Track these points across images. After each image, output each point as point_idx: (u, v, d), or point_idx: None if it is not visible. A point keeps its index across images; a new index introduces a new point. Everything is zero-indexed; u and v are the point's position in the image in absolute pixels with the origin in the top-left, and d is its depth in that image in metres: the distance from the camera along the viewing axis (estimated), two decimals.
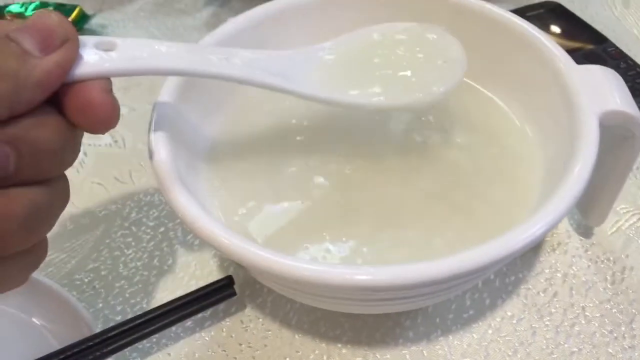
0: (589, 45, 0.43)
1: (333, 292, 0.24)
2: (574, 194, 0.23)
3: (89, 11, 0.49)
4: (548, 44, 0.28)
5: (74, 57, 0.20)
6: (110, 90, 0.21)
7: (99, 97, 0.20)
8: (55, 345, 0.27)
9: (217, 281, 0.29)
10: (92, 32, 0.49)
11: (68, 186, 0.21)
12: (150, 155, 0.25)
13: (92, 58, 0.20)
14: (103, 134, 0.20)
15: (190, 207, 0.23)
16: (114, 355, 0.27)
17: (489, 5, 0.31)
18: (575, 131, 0.25)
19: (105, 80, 0.20)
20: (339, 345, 0.29)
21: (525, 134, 0.30)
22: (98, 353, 0.26)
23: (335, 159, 0.29)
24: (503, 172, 0.28)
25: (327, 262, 0.25)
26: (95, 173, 0.38)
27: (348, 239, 0.26)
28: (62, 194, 0.21)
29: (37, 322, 0.28)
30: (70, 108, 0.20)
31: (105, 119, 0.20)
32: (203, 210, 0.23)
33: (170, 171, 0.24)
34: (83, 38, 0.21)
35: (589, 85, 0.26)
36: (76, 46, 0.20)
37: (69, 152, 0.20)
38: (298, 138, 0.31)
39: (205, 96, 0.30)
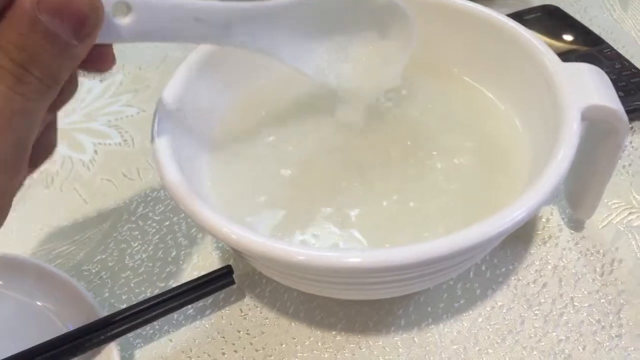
0: (586, 47, 0.44)
1: (327, 276, 0.25)
2: (553, 182, 0.24)
3: None
4: (535, 42, 0.29)
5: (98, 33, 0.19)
6: None
7: None
8: (62, 328, 0.28)
9: (217, 270, 0.31)
10: None
11: None
12: (154, 151, 0.27)
13: (109, 27, 0.20)
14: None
15: (192, 200, 0.25)
16: (118, 340, 0.28)
17: (480, 7, 0.32)
18: (558, 124, 0.26)
19: None
20: (333, 333, 0.30)
21: (514, 127, 0.31)
22: (102, 337, 0.28)
23: (338, 152, 0.31)
24: (493, 161, 0.30)
25: (321, 247, 0.27)
26: (104, 170, 0.40)
27: (348, 230, 0.28)
28: None
29: (45, 307, 0.30)
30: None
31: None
32: (203, 201, 0.25)
33: (173, 170, 0.26)
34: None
35: (573, 81, 0.27)
36: (101, 25, 0.19)
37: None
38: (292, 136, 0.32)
39: (209, 91, 0.31)
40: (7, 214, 0.20)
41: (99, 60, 0.21)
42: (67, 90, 0.22)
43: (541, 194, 0.24)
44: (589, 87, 0.27)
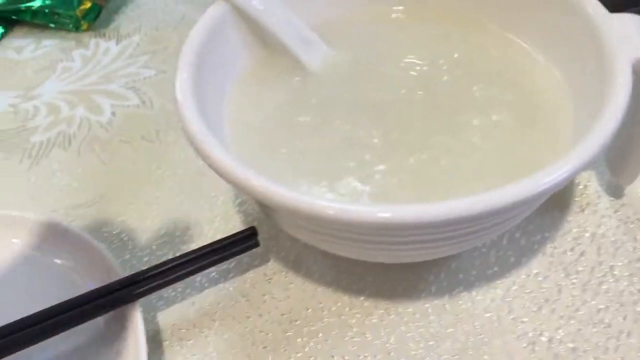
0: (623, 8, 0.42)
1: (356, 232, 0.24)
2: (602, 139, 0.22)
3: None
4: None
5: None
6: None
7: None
8: (83, 287, 0.28)
9: (241, 231, 0.30)
10: None
11: None
12: (177, 104, 0.25)
13: None
14: None
15: (220, 154, 0.23)
16: (140, 300, 0.28)
17: None
18: (606, 78, 0.24)
19: None
20: (361, 298, 0.29)
21: (555, 81, 0.29)
22: (126, 296, 0.27)
23: (356, 108, 0.29)
24: (532, 118, 0.28)
25: (349, 200, 0.25)
26: (122, 132, 0.39)
27: (372, 180, 0.26)
28: None
29: (64, 265, 0.29)
30: None
31: None
32: (230, 154, 0.23)
33: (200, 126, 0.25)
34: None
35: (621, 32, 0.25)
36: None
37: None
38: (316, 89, 0.31)
39: (230, 44, 0.31)
40: None
41: None
42: None
43: (589, 152, 0.22)
44: (639, 39, 0.25)
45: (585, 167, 0.22)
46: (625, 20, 0.26)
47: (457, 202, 0.21)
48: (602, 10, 0.27)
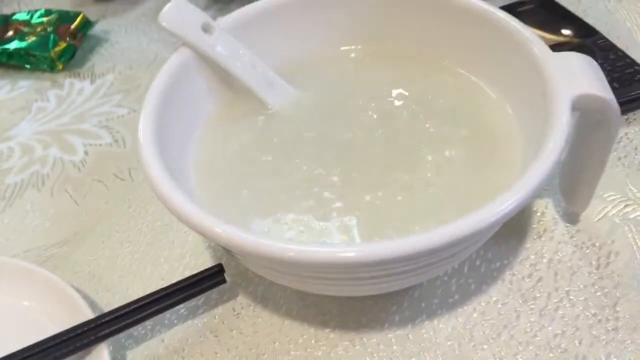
0: (580, 38, 0.44)
1: (319, 272, 0.24)
2: (543, 174, 0.23)
3: (92, 18, 0.51)
4: (524, 32, 0.29)
5: None
6: None
7: None
8: (51, 329, 0.28)
9: (208, 269, 0.30)
10: (96, 38, 0.51)
11: None
12: (139, 150, 0.26)
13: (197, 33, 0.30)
14: None
15: (179, 200, 0.25)
16: (109, 340, 0.28)
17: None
18: (549, 114, 0.25)
19: None
20: (327, 330, 0.30)
21: (507, 116, 0.30)
22: (93, 337, 0.27)
23: (318, 151, 0.31)
24: (485, 152, 0.29)
25: (313, 241, 0.27)
26: (95, 171, 0.40)
27: (331, 218, 0.27)
28: None
29: (32, 308, 0.29)
30: None
31: None
32: (190, 200, 0.24)
33: (160, 171, 0.26)
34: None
35: (563, 70, 0.27)
36: None
37: None
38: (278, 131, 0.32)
39: (195, 88, 0.32)
40: None
41: None
42: None
43: (530, 186, 0.23)
44: (579, 76, 0.26)
45: (527, 202, 0.23)
46: (569, 58, 0.27)
47: (415, 237, 0.22)
48: (546, 50, 0.28)
